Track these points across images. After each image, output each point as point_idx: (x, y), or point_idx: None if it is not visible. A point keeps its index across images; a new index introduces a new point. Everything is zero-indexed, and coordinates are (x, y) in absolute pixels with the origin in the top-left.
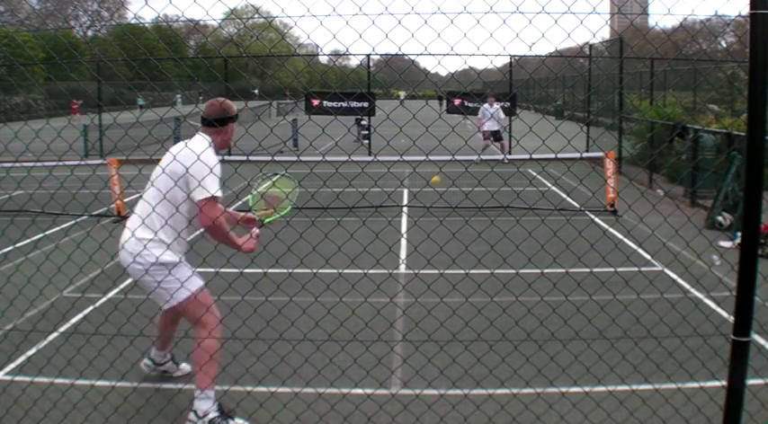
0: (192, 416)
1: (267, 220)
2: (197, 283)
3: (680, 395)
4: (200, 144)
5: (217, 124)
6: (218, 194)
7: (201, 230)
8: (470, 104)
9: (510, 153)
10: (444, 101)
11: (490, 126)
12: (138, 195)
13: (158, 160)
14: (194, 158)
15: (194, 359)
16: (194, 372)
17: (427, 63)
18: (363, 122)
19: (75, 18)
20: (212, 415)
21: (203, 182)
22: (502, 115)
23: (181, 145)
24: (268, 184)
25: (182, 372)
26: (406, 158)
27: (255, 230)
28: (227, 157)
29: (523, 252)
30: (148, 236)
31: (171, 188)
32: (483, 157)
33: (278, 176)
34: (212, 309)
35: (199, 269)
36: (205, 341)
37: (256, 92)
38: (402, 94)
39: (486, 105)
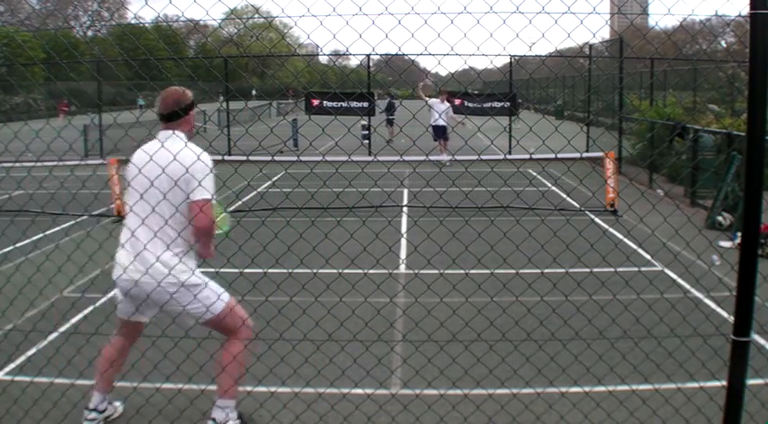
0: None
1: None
2: (227, 294)
3: (680, 395)
4: (182, 143)
5: (182, 113)
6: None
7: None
8: (471, 104)
9: (510, 153)
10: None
11: (436, 122)
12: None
13: None
14: (192, 159)
15: (226, 369)
16: (223, 383)
17: (427, 63)
18: (363, 122)
19: (75, 18)
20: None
21: (204, 183)
22: (451, 113)
23: (155, 145)
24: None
25: (118, 413)
26: (405, 158)
27: None
28: (227, 157)
29: (523, 252)
30: (168, 252)
31: (171, 192)
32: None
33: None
34: (247, 321)
35: (198, 269)
36: (237, 350)
37: (254, 92)
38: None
39: (436, 100)
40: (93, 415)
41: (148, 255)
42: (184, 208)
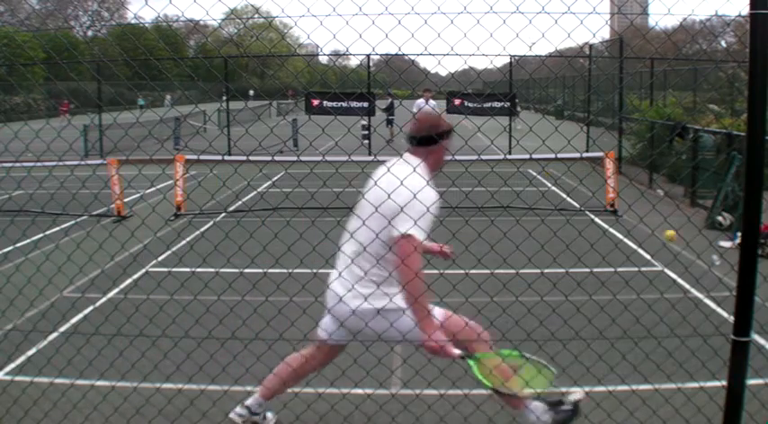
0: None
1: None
2: (438, 309)
3: (680, 395)
4: (407, 170)
5: (437, 138)
6: (421, 236)
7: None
8: (471, 104)
9: (510, 153)
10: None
11: None
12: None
13: (158, 160)
14: (405, 189)
15: (502, 371)
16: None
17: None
18: (363, 122)
19: (75, 18)
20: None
21: (410, 214)
22: (438, 111)
23: (382, 169)
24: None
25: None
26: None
27: (446, 247)
28: (227, 157)
29: (523, 252)
30: (385, 278)
31: (379, 219)
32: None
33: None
34: (471, 323)
35: (199, 270)
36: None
37: (251, 93)
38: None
39: (420, 100)
40: (244, 412)
41: (365, 282)
42: (388, 237)
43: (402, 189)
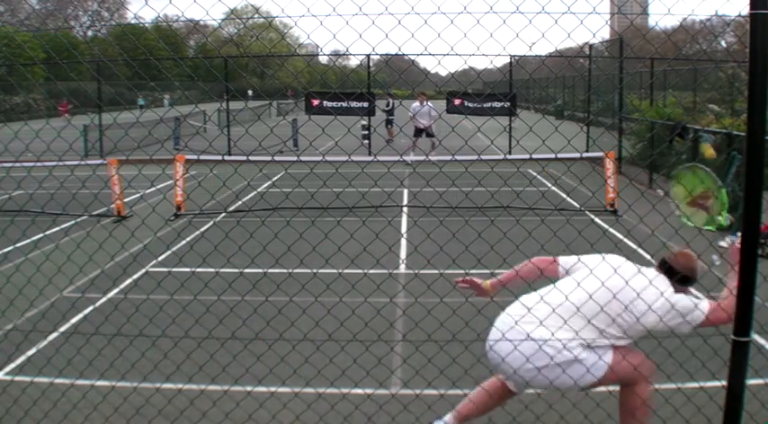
0: None
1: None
2: (611, 352)
3: (680, 395)
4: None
5: (684, 283)
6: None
7: None
8: (471, 104)
9: (510, 153)
10: (444, 102)
11: (421, 122)
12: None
13: (158, 160)
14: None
15: (636, 415)
16: None
17: (427, 63)
18: (363, 122)
19: (75, 18)
20: None
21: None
22: (434, 113)
23: (632, 270)
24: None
25: None
26: (405, 158)
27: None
28: (227, 157)
29: (523, 252)
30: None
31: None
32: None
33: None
34: (643, 365)
35: (199, 270)
36: (643, 394)
37: (250, 93)
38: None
39: (415, 104)
40: None
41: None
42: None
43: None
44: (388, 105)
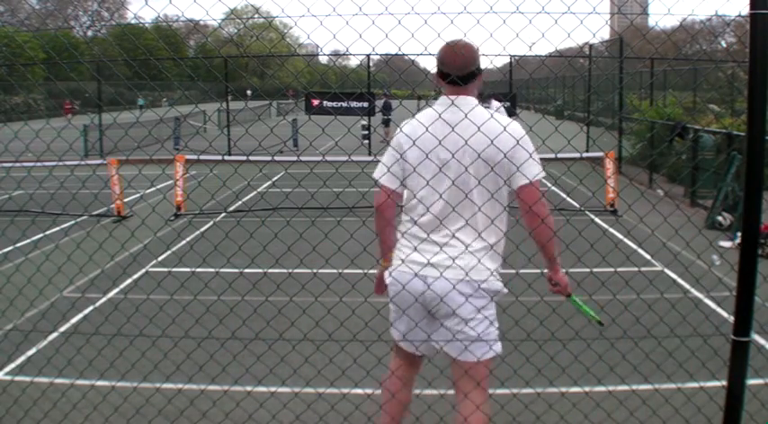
0: None
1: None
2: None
3: (680, 395)
4: (485, 112)
5: (477, 72)
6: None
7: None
8: None
9: None
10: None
11: None
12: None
13: (158, 160)
14: (517, 133)
15: None
16: None
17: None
18: (363, 122)
19: (75, 18)
20: None
21: (534, 157)
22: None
23: (455, 114)
24: None
25: None
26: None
27: None
28: (227, 157)
29: (523, 252)
30: (487, 254)
31: (491, 175)
32: None
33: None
34: None
35: (199, 270)
36: (482, 413)
37: (249, 93)
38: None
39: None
40: None
41: (494, 255)
42: (503, 194)
43: (514, 133)
44: (384, 105)
